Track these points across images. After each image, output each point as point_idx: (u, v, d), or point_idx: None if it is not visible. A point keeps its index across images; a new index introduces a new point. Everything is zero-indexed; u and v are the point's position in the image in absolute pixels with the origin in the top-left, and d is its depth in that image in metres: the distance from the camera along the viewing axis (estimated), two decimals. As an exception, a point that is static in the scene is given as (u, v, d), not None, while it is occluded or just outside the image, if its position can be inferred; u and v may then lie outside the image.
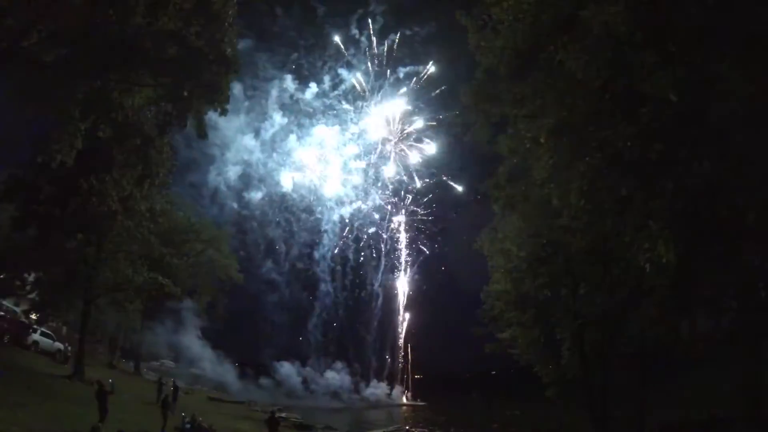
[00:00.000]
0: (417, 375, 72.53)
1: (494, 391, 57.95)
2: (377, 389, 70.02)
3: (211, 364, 55.63)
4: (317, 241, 71.15)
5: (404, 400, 70.02)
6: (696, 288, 18.48)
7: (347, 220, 71.53)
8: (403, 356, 72.55)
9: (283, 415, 35.78)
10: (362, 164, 70.20)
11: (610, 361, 24.91)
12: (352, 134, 70.02)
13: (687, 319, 20.56)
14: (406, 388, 72.01)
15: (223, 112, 19.20)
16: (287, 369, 65.25)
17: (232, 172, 66.99)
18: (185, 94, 18.29)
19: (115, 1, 15.86)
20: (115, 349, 44.48)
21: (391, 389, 70.89)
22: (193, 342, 51.16)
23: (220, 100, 18.77)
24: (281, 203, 69.78)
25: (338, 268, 72.23)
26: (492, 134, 20.52)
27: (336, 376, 67.64)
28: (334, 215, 70.17)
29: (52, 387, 22.65)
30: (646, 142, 13.73)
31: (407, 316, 73.60)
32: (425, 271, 72.56)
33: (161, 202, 31.72)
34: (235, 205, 67.91)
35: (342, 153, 70.20)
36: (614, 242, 17.44)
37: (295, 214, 70.66)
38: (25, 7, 15.60)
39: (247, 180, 67.55)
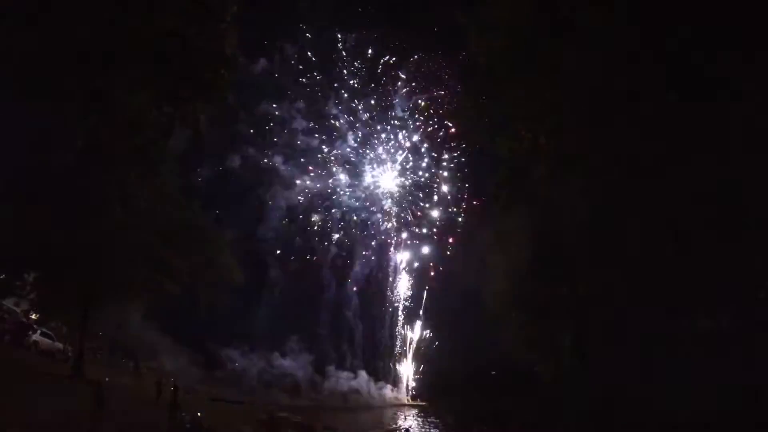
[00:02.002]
0: (417, 375, 71.85)
1: (494, 392, 57.60)
2: (339, 380, 62.61)
3: (167, 354, 48.32)
4: (261, 221, 65.07)
5: (407, 400, 69.33)
6: (697, 287, 18.50)
7: (298, 200, 66.80)
8: (401, 356, 71.56)
9: (283, 414, 35.75)
10: (315, 141, 67.10)
11: (611, 361, 24.91)
12: (300, 109, 67.09)
13: (688, 319, 20.58)
14: (406, 387, 71.25)
15: (221, 112, 19.19)
16: (242, 359, 58.47)
17: (177, 145, 63.10)
18: (185, 93, 18.30)
19: (116, 1, 15.89)
20: (114, 348, 44.46)
21: (356, 377, 63.95)
22: (143, 328, 43.52)
23: (218, 99, 18.78)
24: (228, 180, 65.76)
25: (281, 251, 66.34)
26: (492, 134, 20.55)
27: (293, 365, 60.71)
28: (281, 195, 65.60)
29: (52, 387, 22.64)
30: (646, 141, 13.75)
31: (402, 314, 71.96)
32: (423, 269, 70.61)
33: (162, 201, 31.65)
34: (179, 180, 63.97)
35: (290, 128, 67.20)
36: (614, 242, 17.45)
37: (240, 193, 66.02)
38: (26, 7, 15.61)
39: (192, 154, 64.04)
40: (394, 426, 43.99)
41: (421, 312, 70.97)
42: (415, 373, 70.47)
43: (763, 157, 12.68)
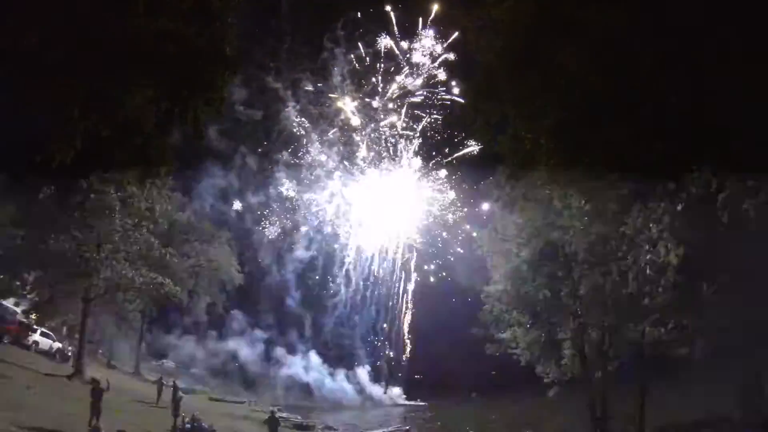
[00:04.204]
0: (417, 375, 71.37)
1: (494, 392, 57.43)
2: (290, 368, 57.23)
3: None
4: (194, 198, 57.65)
5: (401, 400, 68.75)
6: (696, 288, 18.48)
7: (235, 178, 61.41)
8: (398, 353, 70.52)
9: (283, 415, 35.76)
10: (258, 115, 61.58)
11: (611, 361, 24.93)
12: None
13: (687, 319, 20.56)
14: (405, 387, 70.56)
15: (219, 113, 19.20)
16: (183, 345, 52.58)
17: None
18: (185, 94, 18.28)
19: (115, 1, 15.88)
20: (114, 348, 44.47)
21: (306, 360, 58.29)
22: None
23: (216, 100, 18.75)
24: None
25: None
26: (492, 134, 20.52)
27: (239, 347, 54.94)
28: (215, 172, 60.09)
29: (52, 387, 22.64)
30: (646, 142, 13.74)
31: (406, 312, 70.59)
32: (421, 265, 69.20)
33: (161, 201, 31.69)
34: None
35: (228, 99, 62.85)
36: (615, 243, 17.46)
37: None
38: (26, 6, 15.60)
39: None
40: (394, 427, 44.00)
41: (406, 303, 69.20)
42: (414, 372, 70.12)
43: (764, 158, 12.68)
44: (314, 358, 61.22)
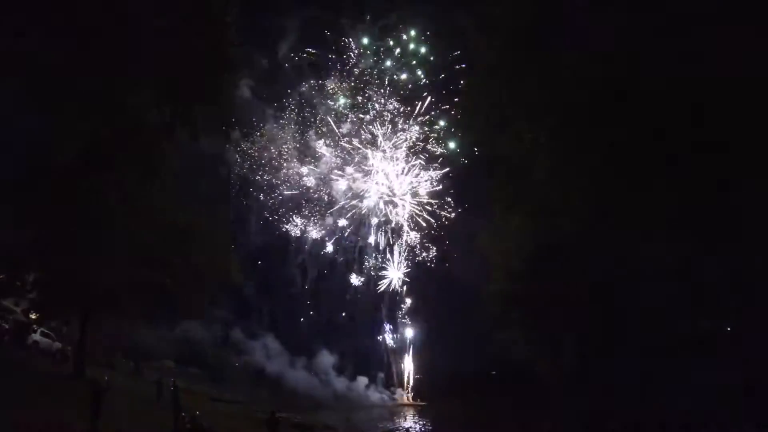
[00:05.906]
0: (417, 375, 71.34)
1: (493, 392, 57.27)
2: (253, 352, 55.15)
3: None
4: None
5: (406, 399, 68.76)
6: (696, 288, 18.51)
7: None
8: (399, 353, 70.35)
9: (283, 415, 35.72)
10: None
11: (611, 361, 24.93)
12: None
13: (687, 319, 20.60)
14: (405, 388, 70.61)
15: (224, 112, 19.21)
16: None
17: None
18: (185, 94, 18.29)
19: (116, 2, 15.91)
20: (115, 348, 44.37)
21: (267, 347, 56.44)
22: None
23: (219, 101, 18.76)
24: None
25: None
26: (492, 134, 20.53)
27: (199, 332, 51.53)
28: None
29: (52, 387, 22.61)
30: (646, 142, 13.76)
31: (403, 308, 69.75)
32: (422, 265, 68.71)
33: (162, 201, 31.59)
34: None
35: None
36: (614, 242, 17.47)
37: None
38: (26, 6, 15.62)
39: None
40: (393, 426, 43.99)
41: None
42: (416, 372, 70.05)
43: (763, 157, 12.70)
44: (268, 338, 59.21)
